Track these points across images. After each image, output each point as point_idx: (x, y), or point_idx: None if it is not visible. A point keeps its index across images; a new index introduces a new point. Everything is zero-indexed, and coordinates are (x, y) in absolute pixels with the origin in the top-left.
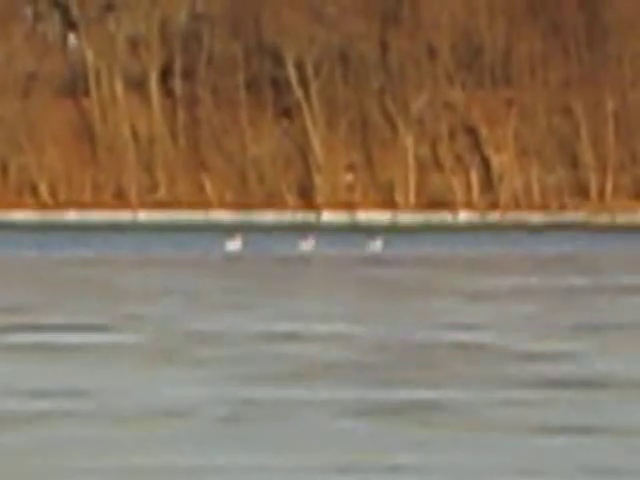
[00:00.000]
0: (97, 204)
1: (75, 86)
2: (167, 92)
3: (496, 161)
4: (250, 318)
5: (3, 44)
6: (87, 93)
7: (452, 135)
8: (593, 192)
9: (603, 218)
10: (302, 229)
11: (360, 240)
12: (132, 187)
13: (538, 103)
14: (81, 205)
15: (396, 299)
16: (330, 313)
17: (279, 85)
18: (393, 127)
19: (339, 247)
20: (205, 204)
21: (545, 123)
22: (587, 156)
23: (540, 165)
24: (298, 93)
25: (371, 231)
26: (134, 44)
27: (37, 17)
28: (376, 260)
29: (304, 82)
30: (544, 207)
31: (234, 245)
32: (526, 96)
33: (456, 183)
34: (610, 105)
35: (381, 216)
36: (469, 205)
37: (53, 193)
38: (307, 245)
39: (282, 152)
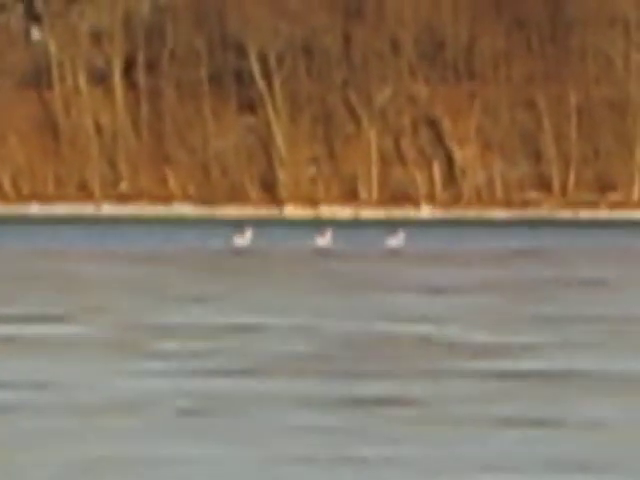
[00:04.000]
0: (60, 197)
1: (38, 79)
2: (130, 85)
3: (459, 155)
4: (211, 311)
5: None
6: (50, 86)
7: (415, 129)
8: (556, 187)
9: (566, 213)
10: (264, 223)
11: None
12: (95, 180)
13: (501, 97)
14: (44, 198)
15: (358, 293)
16: (291, 306)
17: (242, 78)
18: (356, 121)
19: (302, 241)
20: (168, 197)
21: (508, 117)
22: (550, 151)
23: (503, 159)
24: (261, 86)
25: (330, 225)
26: (97, 37)
27: (0, 9)
28: (338, 254)
29: (267, 75)
30: (507, 201)
31: (243, 240)
32: (489, 90)
33: (419, 177)
34: (573, 100)
35: (344, 210)
36: (432, 199)
37: (16, 186)
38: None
39: (245, 145)
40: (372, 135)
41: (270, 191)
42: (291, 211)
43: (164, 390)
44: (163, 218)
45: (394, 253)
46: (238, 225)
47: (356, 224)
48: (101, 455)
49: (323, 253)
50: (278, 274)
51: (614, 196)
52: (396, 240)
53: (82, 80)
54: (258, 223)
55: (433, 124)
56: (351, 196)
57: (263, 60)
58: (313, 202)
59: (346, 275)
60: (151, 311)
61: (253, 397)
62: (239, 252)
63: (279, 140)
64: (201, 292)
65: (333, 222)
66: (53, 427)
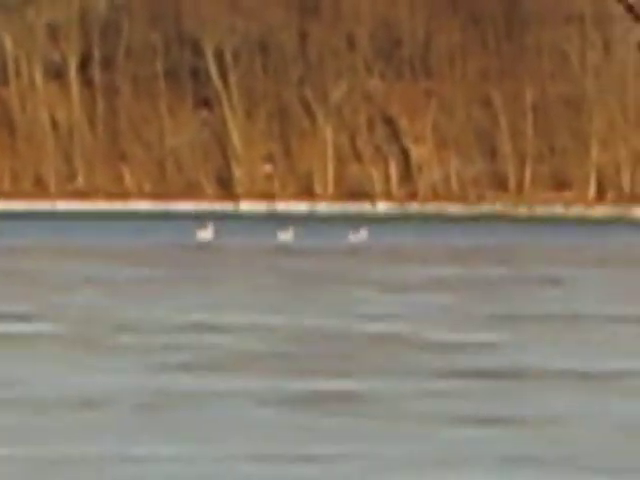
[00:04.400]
0: (16, 193)
1: None
2: (86, 81)
3: (415, 152)
4: (169, 308)
5: None
6: (6, 82)
7: (371, 126)
8: (512, 184)
9: (521, 210)
10: (221, 219)
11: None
12: (51, 176)
13: (457, 94)
14: (0, 194)
15: (314, 289)
16: (248, 303)
17: (198, 75)
18: (312, 117)
19: (258, 237)
20: (124, 194)
21: (464, 115)
22: (506, 148)
23: (459, 156)
24: (217, 83)
25: (289, 221)
26: (53, 33)
27: None
28: (295, 250)
29: (223, 72)
30: (463, 198)
31: (205, 234)
32: (445, 87)
33: (375, 174)
34: (529, 97)
35: (300, 206)
36: (388, 196)
37: None
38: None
39: (201, 142)
40: (328, 132)
41: (226, 187)
42: (247, 207)
43: (123, 386)
44: (119, 214)
45: (350, 250)
46: (196, 219)
47: (314, 220)
48: (60, 452)
49: (282, 249)
50: (236, 270)
51: (570, 193)
52: (358, 236)
53: (38, 76)
54: (215, 218)
55: (389, 121)
56: (307, 193)
57: (219, 57)
58: (269, 198)
59: (303, 271)
60: (110, 307)
61: (210, 394)
62: (202, 246)
63: (235, 137)
64: (159, 289)
65: (291, 218)
66: (12, 424)
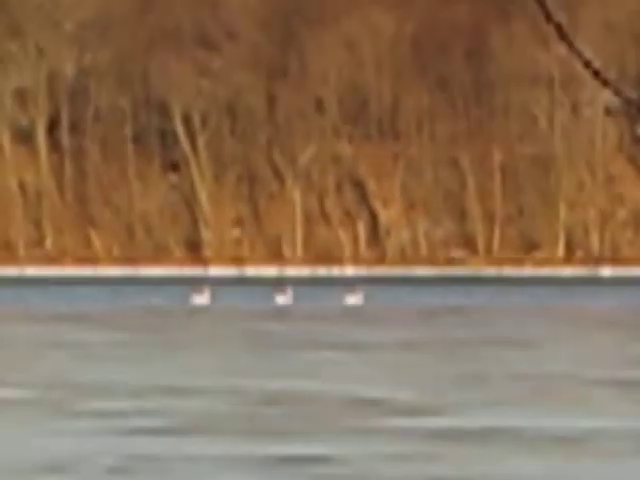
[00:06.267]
0: None
1: None
2: (54, 145)
3: (383, 214)
4: (137, 372)
5: None
6: None
7: (339, 188)
8: (480, 245)
9: (490, 271)
10: (191, 283)
11: (249, 294)
12: (19, 241)
13: (425, 156)
14: None
15: (284, 352)
16: (218, 367)
17: (166, 138)
18: (280, 180)
19: (229, 301)
20: (93, 258)
21: (432, 176)
22: (474, 209)
23: (427, 218)
24: (185, 146)
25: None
26: (21, 97)
27: None
28: (264, 314)
29: (191, 135)
30: (431, 260)
31: (201, 299)
32: (413, 149)
33: (343, 236)
34: (497, 158)
35: (269, 270)
36: (356, 258)
37: None
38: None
39: (169, 206)
40: (296, 194)
41: (195, 251)
42: (216, 271)
43: (89, 449)
44: (88, 279)
45: (320, 312)
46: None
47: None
48: None
49: (251, 314)
50: (202, 334)
51: (539, 254)
52: (354, 299)
53: (6, 139)
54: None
55: (357, 183)
56: (276, 255)
57: (187, 120)
58: (238, 262)
59: (271, 335)
60: (78, 372)
61: (178, 456)
62: (197, 311)
63: (203, 200)
64: (127, 353)
65: (259, 282)
66: None
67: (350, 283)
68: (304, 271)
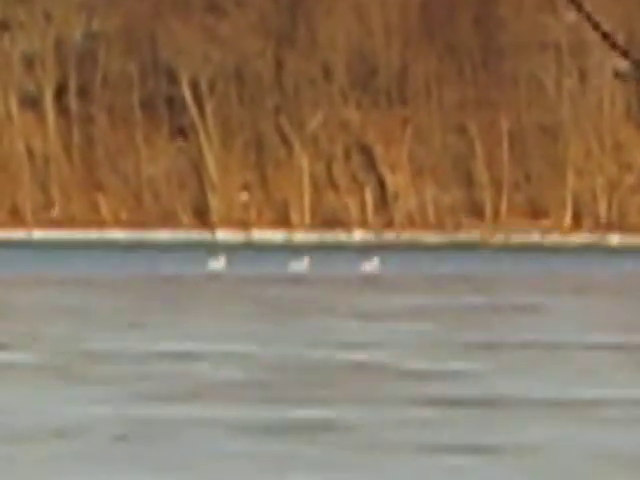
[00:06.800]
0: None
1: None
2: (62, 111)
3: (391, 181)
4: (145, 337)
5: None
6: None
7: (347, 155)
8: (488, 212)
9: (498, 238)
10: (197, 248)
11: (257, 259)
12: (27, 205)
13: (433, 123)
14: None
15: (291, 318)
16: (226, 332)
17: (174, 104)
18: (288, 147)
19: (235, 267)
20: (100, 223)
21: (440, 143)
22: (482, 176)
23: (435, 185)
24: (193, 112)
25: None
26: (29, 63)
27: None
28: (272, 279)
29: (199, 101)
30: (439, 227)
31: (217, 264)
32: (421, 116)
33: (351, 202)
34: (505, 125)
35: (276, 235)
36: (364, 224)
37: None
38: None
39: (177, 171)
40: (304, 161)
41: (202, 216)
42: (223, 236)
43: (97, 416)
44: (95, 243)
45: (328, 279)
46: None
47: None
48: None
49: (259, 279)
50: (213, 300)
51: (546, 221)
52: (372, 265)
53: (14, 105)
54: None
55: (365, 150)
56: (283, 221)
57: (195, 86)
58: (245, 227)
59: (279, 301)
60: (85, 337)
61: (188, 423)
62: (213, 276)
63: (211, 166)
64: (135, 318)
65: (268, 246)
66: None
67: (360, 250)
68: (312, 237)
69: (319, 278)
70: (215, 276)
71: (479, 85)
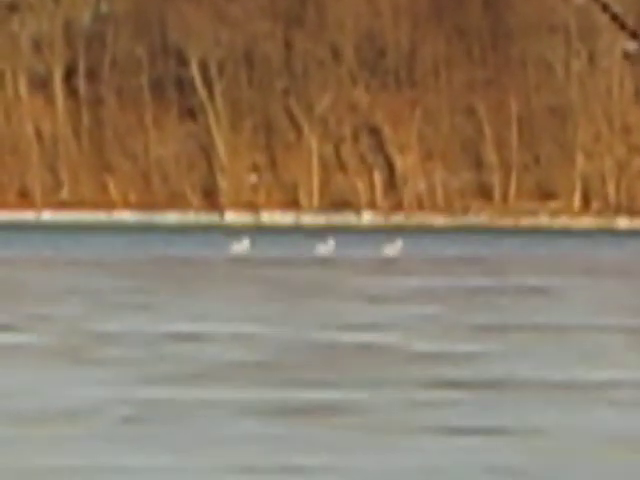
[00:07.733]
0: (1, 204)
1: None
2: (71, 93)
3: (400, 163)
4: (153, 318)
5: None
6: None
7: (356, 136)
8: (497, 194)
9: (506, 220)
10: (206, 230)
11: (279, 242)
12: (36, 187)
13: (442, 105)
14: None
15: (299, 300)
16: (233, 313)
17: (183, 86)
18: (297, 128)
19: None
20: (109, 204)
21: (449, 125)
22: (491, 158)
23: (444, 167)
24: (202, 94)
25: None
26: (38, 44)
27: None
28: (279, 261)
29: (208, 83)
30: (448, 209)
31: (241, 246)
32: (430, 98)
33: (360, 184)
34: (514, 107)
35: (285, 217)
36: (372, 206)
37: None
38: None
39: (186, 153)
40: (313, 143)
41: (211, 198)
42: (232, 218)
43: (105, 398)
44: (104, 225)
45: (337, 261)
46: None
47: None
48: (40, 464)
49: (265, 260)
50: (218, 281)
51: (555, 204)
52: (395, 247)
53: (23, 87)
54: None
55: (374, 132)
56: (292, 203)
57: (204, 68)
58: (254, 209)
59: (287, 282)
60: (94, 319)
61: (195, 405)
62: (235, 259)
63: (220, 148)
64: (143, 300)
65: (275, 228)
66: None
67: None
68: (320, 218)
69: (322, 259)
70: (234, 259)
71: (488, 67)
